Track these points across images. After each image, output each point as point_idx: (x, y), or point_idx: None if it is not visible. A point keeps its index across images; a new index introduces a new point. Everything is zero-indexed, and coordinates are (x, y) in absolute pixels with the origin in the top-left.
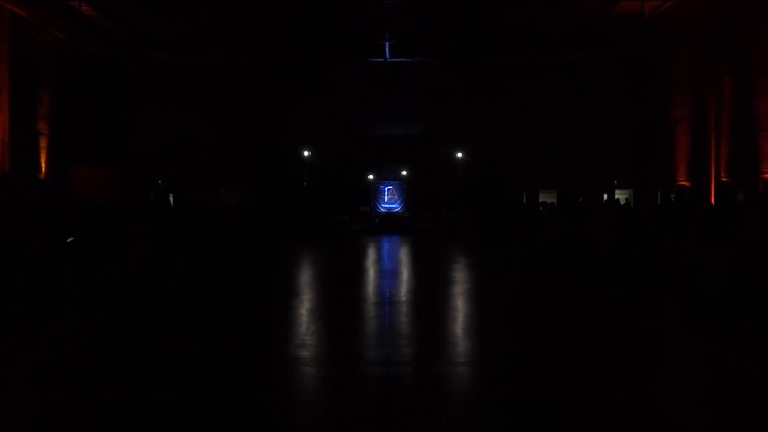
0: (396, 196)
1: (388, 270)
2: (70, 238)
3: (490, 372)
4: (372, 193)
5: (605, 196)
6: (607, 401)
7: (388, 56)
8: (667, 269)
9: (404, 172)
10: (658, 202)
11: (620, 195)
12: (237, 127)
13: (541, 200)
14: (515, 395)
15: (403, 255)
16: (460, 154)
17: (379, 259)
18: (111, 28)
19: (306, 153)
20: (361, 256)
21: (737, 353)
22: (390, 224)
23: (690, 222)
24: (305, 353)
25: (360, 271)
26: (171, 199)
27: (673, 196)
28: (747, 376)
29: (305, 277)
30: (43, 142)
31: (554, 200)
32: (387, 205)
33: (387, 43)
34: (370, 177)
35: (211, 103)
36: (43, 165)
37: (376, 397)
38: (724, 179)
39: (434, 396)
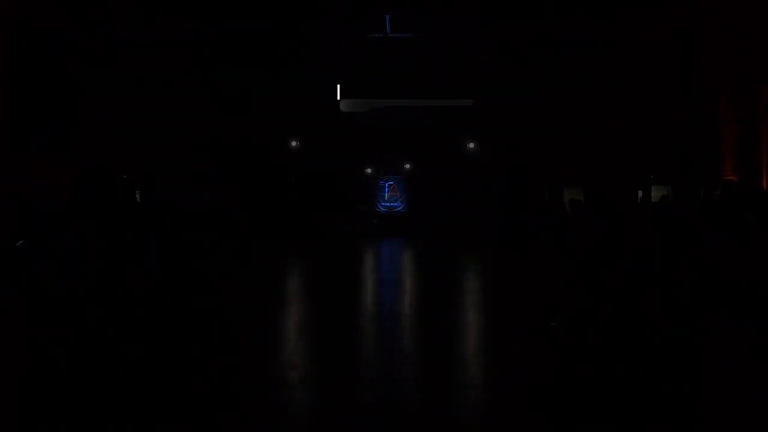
0: (398, 194)
1: (388, 281)
2: (20, 242)
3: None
4: (370, 190)
5: (640, 193)
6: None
7: (389, 31)
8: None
9: (407, 165)
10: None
11: (658, 191)
12: (233, 126)
13: (569, 197)
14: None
15: (406, 262)
16: (471, 145)
17: (377, 267)
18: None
19: (294, 143)
20: (359, 264)
21: None
22: (391, 226)
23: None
24: (293, 374)
25: (359, 281)
26: (138, 197)
27: (718, 192)
28: None
29: (296, 285)
30: None
31: (581, 198)
32: (387, 204)
33: (387, 17)
34: (368, 171)
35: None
36: None
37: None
38: None
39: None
